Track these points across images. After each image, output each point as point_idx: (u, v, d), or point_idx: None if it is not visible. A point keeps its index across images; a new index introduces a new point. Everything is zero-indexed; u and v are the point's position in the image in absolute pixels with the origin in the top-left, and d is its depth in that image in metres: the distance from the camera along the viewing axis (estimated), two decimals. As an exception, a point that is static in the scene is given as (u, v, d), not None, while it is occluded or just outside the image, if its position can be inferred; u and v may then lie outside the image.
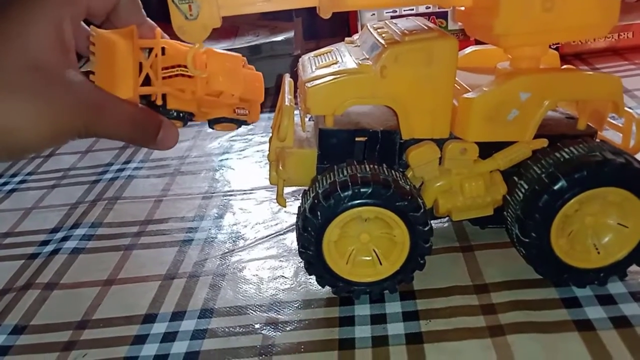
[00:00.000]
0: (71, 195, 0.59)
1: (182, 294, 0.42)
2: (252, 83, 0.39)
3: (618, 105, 0.36)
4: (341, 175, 0.35)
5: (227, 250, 0.46)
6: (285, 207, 0.41)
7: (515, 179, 0.36)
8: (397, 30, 0.37)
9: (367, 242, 0.37)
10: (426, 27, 0.38)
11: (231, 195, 0.55)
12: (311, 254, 0.36)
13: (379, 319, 0.36)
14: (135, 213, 0.53)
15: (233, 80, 0.38)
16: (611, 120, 0.40)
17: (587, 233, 0.36)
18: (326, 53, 0.41)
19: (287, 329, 0.37)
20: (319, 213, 0.35)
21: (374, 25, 0.40)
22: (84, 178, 0.62)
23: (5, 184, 0.64)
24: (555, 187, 0.33)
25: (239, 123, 0.40)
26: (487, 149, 0.38)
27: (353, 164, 0.36)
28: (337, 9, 0.36)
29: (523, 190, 0.35)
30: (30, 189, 0.62)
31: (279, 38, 0.80)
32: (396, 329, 0.35)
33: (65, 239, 0.51)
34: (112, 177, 0.61)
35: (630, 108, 0.38)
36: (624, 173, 0.33)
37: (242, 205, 0.53)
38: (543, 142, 0.37)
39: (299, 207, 0.37)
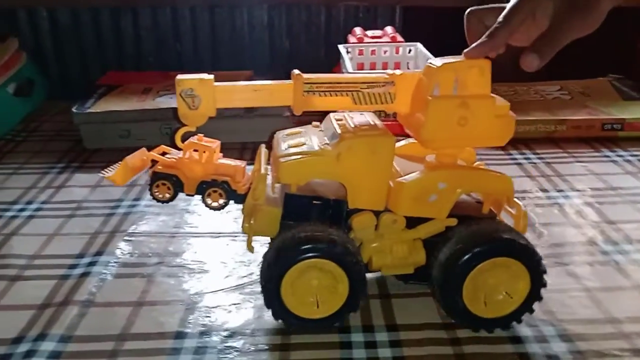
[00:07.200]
0: (89, 226, 0.66)
1: (204, 315, 0.50)
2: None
3: (509, 199, 0.49)
4: (302, 233, 0.45)
5: (240, 284, 0.55)
6: (253, 253, 0.50)
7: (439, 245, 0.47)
8: (352, 124, 0.49)
9: (316, 286, 0.46)
10: (373, 123, 0.49)
11: (236, 235, 0.64)
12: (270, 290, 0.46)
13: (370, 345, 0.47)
14: (152, 246, 0.62)
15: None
16: (508, 208, 0.51)
17: (485, 294, 0.47)
18: (296, 134, 0.51)
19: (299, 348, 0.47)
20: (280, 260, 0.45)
21: (336, 117, 0.51)
22: (97, 210, 0.70)
23: (22, 209, 0.71)
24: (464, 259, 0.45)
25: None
26: (412, 222, 0.49)
27: (310, 225, 0.46)
28: (306, 109, 0.48)
29: (443, 257, 0.46)
30: (47, 216, 0.69)
31: (273, 100, 0.90)
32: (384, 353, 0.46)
33: (91, 264, 0.58)
34: (125, 212, 0.69)
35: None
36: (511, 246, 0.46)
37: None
38: (453, 222, 0.48)
39: (265, 254, 0.47)
